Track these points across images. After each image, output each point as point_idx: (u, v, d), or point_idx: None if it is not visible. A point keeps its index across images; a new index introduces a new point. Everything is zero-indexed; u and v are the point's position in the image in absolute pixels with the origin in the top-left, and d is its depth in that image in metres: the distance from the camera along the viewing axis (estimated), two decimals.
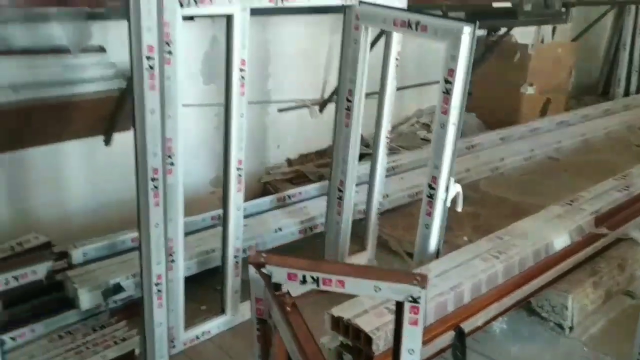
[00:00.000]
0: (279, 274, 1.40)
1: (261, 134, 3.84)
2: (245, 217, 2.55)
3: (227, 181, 2.33)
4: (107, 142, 3.03)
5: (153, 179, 1.95)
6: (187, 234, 2.38)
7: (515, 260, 2.47)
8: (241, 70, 2.19)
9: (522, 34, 5.33)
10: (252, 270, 1.42)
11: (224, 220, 2.40)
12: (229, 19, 2.11)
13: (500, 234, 2.65)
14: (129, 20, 1.77)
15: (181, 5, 1.91)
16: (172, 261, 2.18)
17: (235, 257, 2.46)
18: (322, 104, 4.06)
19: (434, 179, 2.34)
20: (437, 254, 2.46)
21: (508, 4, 4.25)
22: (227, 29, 2.13)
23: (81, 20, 2.47)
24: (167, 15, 1.88)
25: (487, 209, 3.60)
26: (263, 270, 1.41)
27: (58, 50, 2.61)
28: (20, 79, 2.56)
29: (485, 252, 2.48)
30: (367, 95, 2.66)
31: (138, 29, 1.78)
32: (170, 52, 1.93)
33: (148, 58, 1.82)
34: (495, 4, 4.21)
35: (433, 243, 2.43)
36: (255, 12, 2.14)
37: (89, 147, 2.99)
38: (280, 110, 3.88)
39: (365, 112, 2.68)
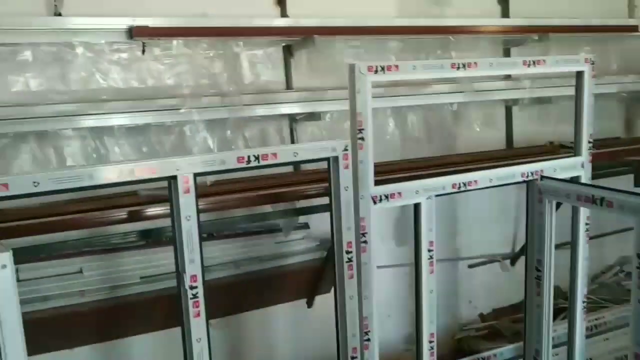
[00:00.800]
0: None
1: (452, 290, 3.91)
2: None
3: (420, 354, 2.45)
4: (310, 304, 3.36)
5: (353, 357, 2.16)
6: None
7: None
8: (429, 250, 2.37)
9: None
10: None
11: None
12: (416, 206, 2.35)
13: None
14: (331, 222, 2.08)
15: (374, 202, 2.20)
16: (367, 340, 2.27)
17: None
18: (514, 258, 4.04)
19: None
20: None
21: None
22: (415, 215, 2.36)
23: (291, 212, 2.91)
24: (363, 212, 2.17)
25: None
26: None
27: (271, 230, 3.05)
28: (241, 256, 3.02)
29: None
30: (557, 246, 2.63)
31: (339, 229, 2.07)
32: (365, 242, 2.20)
33: (347, 252, 2.09)
34: None
35: None
36: None
37: (294, 309, 3.34)
38: (471, 266, 3.95)
39: (558, 262, 2.65)
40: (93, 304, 2.71)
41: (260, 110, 3.07)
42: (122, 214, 2.47)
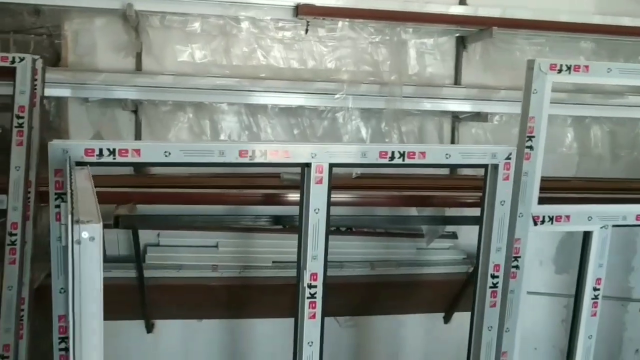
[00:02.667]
0: None
1: (616, 334, 3.39)
2: None
3: None
4: (447, 320, 3.07)
5: None
6: None
7: None
8: (595, 289, 2.00)
9: None
10: None
11: None
12: (586, 235, 1.98)
13: None
14: (479, 239, 1.81)
15: (535, 223, 1.88)
16: None
17: None
18: None
19: None
20: None
21: None
22: (584, 245, 1.99)
23: (439, 219, 2.65)
24: (519, 232, 1.87)
25: None
26: None
27: (414, 235, 2.82)
28: (378, 256, 2.83)
29: None
30: None
31: (487, 249, 1.79)
32: (516, 267, 1.90)
33: (493, 277, 1.81)
34: None
35: None
36: None
37: (429, 321, 3.08)
38: None
39: None
40: (224, 280, 2.69)
41: (422, 105, 2.84)
42: (260, 195, 2.40)
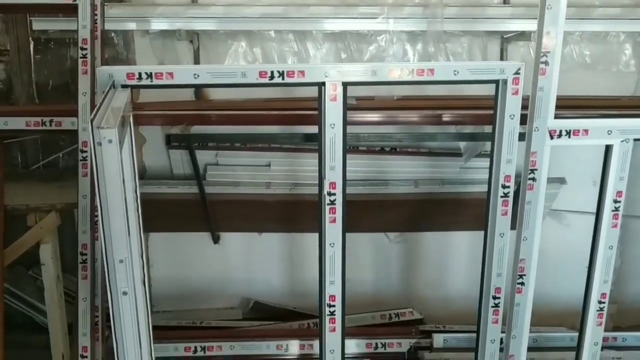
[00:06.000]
0: None
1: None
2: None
3: (585, 313, 2.20)
4: None
5: (494, 297, 2.03)
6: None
7: None
8: (615, 202, 2.06)
9: None
10: None
11: (577, 353, 2.27)
12: (607, 148, 2.02)
13: None
14: (491, 153, 1.92)
15: (551, 137, 1.95)
16: (521, 284, 2.14)
17: None
18: None
19: None
20: None
21: None
22: (605, 157, 2.04)
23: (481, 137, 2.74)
24: (535, 146, 1.95)
25: None
26: None
27: (456, 154, 2.92)
28: (423, 175, 2.96)
29: None
30: None
31: (499, 161, 1.90)
32: (534, 179, 1.99)
33: (504, 186, 1.92)
34: None
35: None
36: None
37: (475, 239, 3.19)
38: None
39: None
40: (277, 196, 2.94)
41: (466, 25, 2.87)
42: (305, 116, 2.58)
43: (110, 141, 1.16)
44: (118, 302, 1.32)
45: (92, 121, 1.20)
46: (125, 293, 1.31)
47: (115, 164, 1.18)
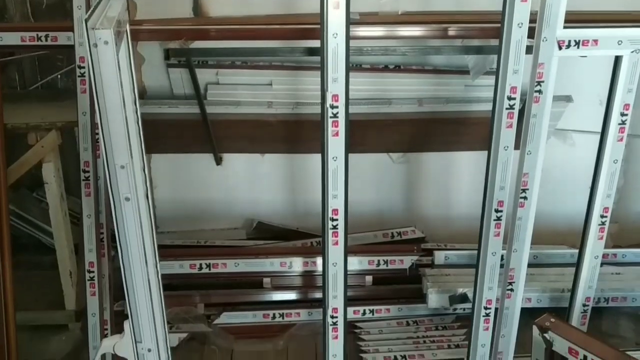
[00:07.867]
0: (560, 343, 1.35)
1: None
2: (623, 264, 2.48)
3: (587, 227, 2.21)
4: None
5: (497, 210, 2.03)
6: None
7: None
8: (622, 115, 2.03)
9: None
10: (535, 331, 1.40)
11: (577, 266, 2.30)
12: (617, 59, 1.98)
13: None
14: (498, 63, 1.87)
15: (559, 47, 1.90)
16: (511, 290, 2.22)
17: (585, 306, 2.34)
18: None
19: None
20: None
21: None
22: (614, 70, 2.00)
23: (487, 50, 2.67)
24: (542, 57, 1.90)
25: None
26: (546, 335, 1.38)
27: (462, 72, 2.86)
28: (427, 94, 2.92)
29: None
30: None
31: (505, 71, 1.86)
32: (540, 92, 1.95)
33: (509, 98, 1.88)
34: None
35: None
36: None
37: (479, 159, 3.18)
38: None
39: None
40: (279, 116, 2.91)
41: None
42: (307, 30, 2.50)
43: (106, 42, 1.13)
44: (121, 208, 1.32)
45: (86, 21, 1.16)
46: (127, 199, 1.31)
47: (112, 66, 1.15)
